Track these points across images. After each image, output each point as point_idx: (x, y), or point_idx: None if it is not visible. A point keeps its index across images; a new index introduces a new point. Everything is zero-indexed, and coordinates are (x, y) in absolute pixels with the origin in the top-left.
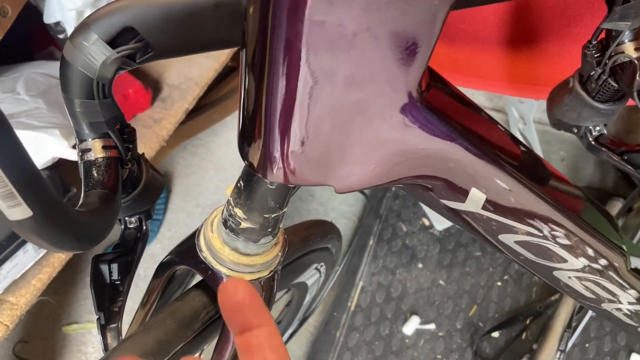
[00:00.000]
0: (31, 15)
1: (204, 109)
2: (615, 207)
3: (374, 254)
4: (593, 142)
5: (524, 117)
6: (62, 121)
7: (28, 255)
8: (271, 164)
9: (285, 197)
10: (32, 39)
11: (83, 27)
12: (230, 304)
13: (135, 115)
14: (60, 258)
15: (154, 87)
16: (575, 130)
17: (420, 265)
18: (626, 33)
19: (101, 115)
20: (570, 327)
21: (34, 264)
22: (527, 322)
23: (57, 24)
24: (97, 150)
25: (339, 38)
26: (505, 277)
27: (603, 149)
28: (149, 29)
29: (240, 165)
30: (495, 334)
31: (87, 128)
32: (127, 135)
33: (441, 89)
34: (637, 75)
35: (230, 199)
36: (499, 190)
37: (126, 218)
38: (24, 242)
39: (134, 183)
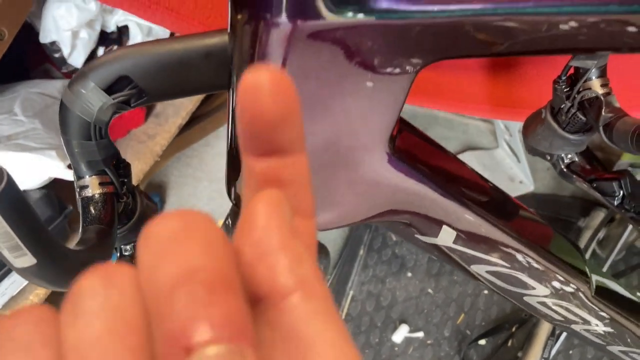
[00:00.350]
0: (27, 33)
1: (197, 120)
2: (598, 217)
3: (364, 263)
4: (564, 169)
5: (510, 129)
6: (58, 142)
7: None
8: None
9: None
10: (28, 56)
11: (81, 76)
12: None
13: (129, 131)
14: None
15: None
16: (548, 158)
17: (409, 274)
18: (593, 70)
19: (98, 155)
20: (554, 335)
21: None
22: (513, 329)
23: (53, 43)
24: (94, 187)
25: (314, 100)
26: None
27: (574, 176)
28: (143, 77)
29: None
30: (482, 342)
31: (84, 166)
32: (123, 170)
33: (410, 131)
34: (603, 110)
35: None
36: (468, 226)
37: (121, 246)
38: None
39: (129, 215)
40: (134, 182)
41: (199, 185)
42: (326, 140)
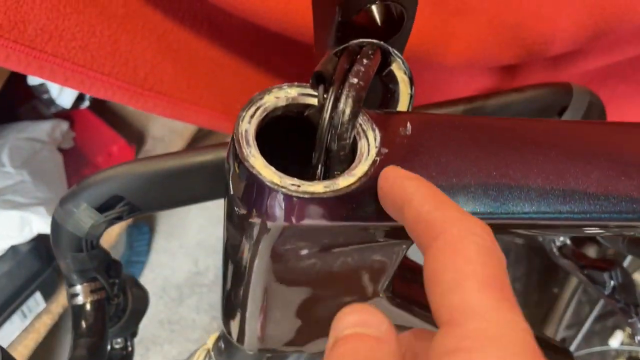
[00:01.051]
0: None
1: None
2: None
3: None
4: (557, 252)
5: None
6: (47, 194)
7: (15, 326)
8: (248, 338)
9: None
10: (16, 94)
11: (73, 195)
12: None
13: None
14: (45, 324)
15: (137, 140)
16: (541, 239)
17: None
18: None
19: (89, 264)
20: None
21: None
22: None
23: (42, 84)
24: (85, 294)
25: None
26: None
27: (566, 259)
28: (136, 195)
29: (221, 202)
30: None
31: (75, 275)
32: (114, 270)
33: (409, 274)
34: None
35: (212, 353)
36: None
37: (112, 339)
38: (10, 315)
39: (119, 314)
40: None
41: (188, 214)
42: (319, 293)
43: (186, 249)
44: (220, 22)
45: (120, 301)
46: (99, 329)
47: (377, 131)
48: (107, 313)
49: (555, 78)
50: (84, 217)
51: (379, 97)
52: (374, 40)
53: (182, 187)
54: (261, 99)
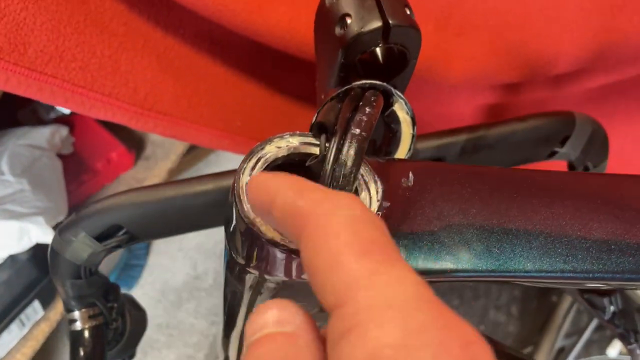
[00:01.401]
0: None
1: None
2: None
3: None
4: None
5: None
6: (46, 204)
7: (13, 334)
8: None
9: None
10: (15, 98)
11: (71, 224)
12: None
13: (118, 176)
14: (44, 332)
15: (137, 145)
16: None
17: None
18: None
19: (87, 290)
20: None
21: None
22: None
23: None
24: (83, 320)
25: None
26: (481, 327)
27: None
28: (135, 225)
29: None
30: None
31: (73, 301)
32: (112, 294)
33: None
34: None
35: None
36: None
37: None
38: (8, 324)
39: (118, 338)
40: None
41: None
42: None
43: (185, 252)
44: (221, 38)
45: (118, 325)
46: (97, 356)
47: (379, 183)
48: (106, 337)
49: (558, 94)
50: (82, 245)
51: (380, 136)
52: (377, 82)
53: (181, 217)
54: (262, 149)
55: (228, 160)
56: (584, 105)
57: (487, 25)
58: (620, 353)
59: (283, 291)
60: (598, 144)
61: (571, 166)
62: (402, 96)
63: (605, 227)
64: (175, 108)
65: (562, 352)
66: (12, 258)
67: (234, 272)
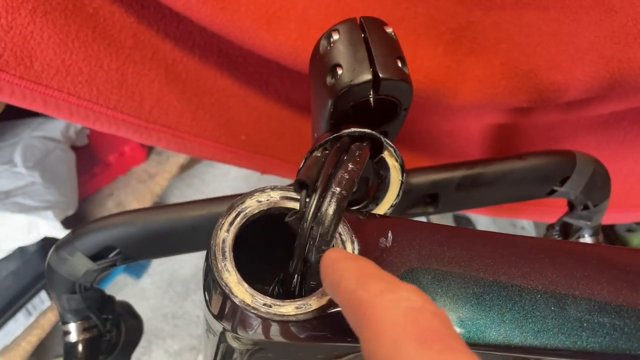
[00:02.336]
0: None
1: None
2: None
3: None
4: None
5: None
6: (57, 197)
7: (18, 323)
8: None
9: None
10: None
11: (67, 243)
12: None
13: (130, 169)
14: (50, 321)
15: None
16: None
17: None
18: (586, 229)
19: (83, 304)
20: None
21: (25, 327)
22: None
23: None
24: (78, 333)
25: None
26: None
27: None
28: (128, 246)
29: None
30: None
31: (69, 313)
32: (108, 307)
33: None
34: None
35: None
36: None
37: None
38: (15, 313)
39: (112, 348)
40: None
41: None
42: None
43: None
44: (230, 52)
45: (113, 336)
46: None
47: (356, 244)
48: (99, 349)
49: (569, 118)
50: (77, 264)
51: (368, 181)
52: (366, 130)
53: (173, 240)
54: (242, 203)
55: None
56: (596, 130)
57: (499, 49)
58: None
59: (257, 352)
60: (599, 184)
61: (570, 204)
62: (391, 144)
63: (581, 306)
64: (180, 121)
65: None
66: (21, 250)
67: (208, 322)
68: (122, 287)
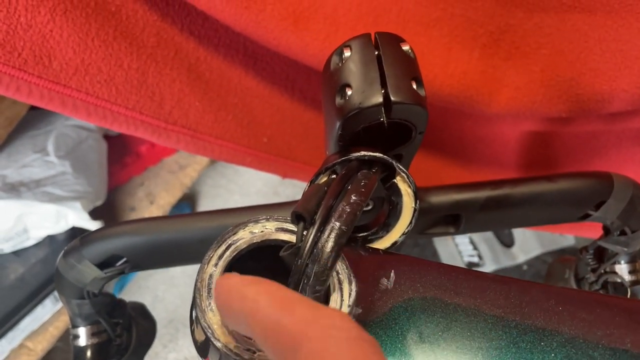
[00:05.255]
0: None
1: None
2: None
3: None
4: None
5: None
6: (86, 188)
7: (46, 309)
8: None
9: None
10: None
11: (75, 250)
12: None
13: (161, 160)
14: None
15: None
16: None
17: None
18: (622, 255)
19: (92, 309)
20: None
21: (53, 313)
22: None
23: None
24: (87, 337)
25: None
26: None
27: None
28: (136, 255)
29: (265, 192)
30: None
31: (79, 317)
32: (118, 311)
33: None
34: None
35: None
36: None
37: None
38: (42, 299)
39: (122, 352)
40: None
41: (230, 199)
42: None
43: None
44: (257, 51)
45: (123, 340)
46: None
47: (353, 284)
48: (108, 353)
49: (612, 129)
50: (85, 271)
51: (382, 204)
52: (377, 155)
53: (182, 251)
54: (234, 234)
55: None
56: (639, 141)
57: (539, 54)
58: None
59: None
60: (639, 209)
61: (606, 229)
62: (404, 170)
63: None
64: (200, 122)
65: None
66: (50, 238)
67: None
68: (151, 273)
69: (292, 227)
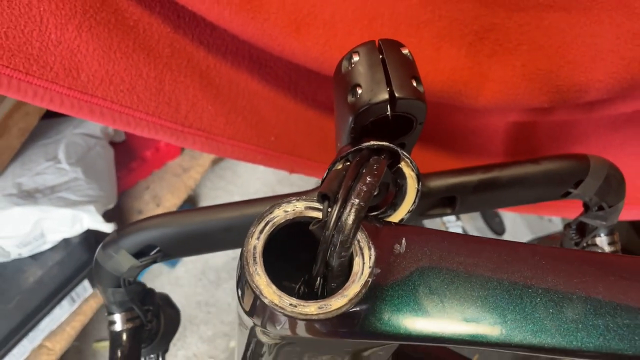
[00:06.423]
0: None
1: None
2: None
3: None
4: None
5: None
6: (98, 192)
7: (64, 309)
8: None
9: None
10: None
11: (113, 242)
12: None
13: (165, 164)
14: (92, 307)
15: None
16: None
17: None
18: (602, 229)
19: (126, 297)
20: None
21: (70, 313)
22: None
23: None
24: (122, 322)
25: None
26: None
27: None
28: (168, 245)
29: (264, 192)
30: None
31: (114, 305)
32: (149, 299)
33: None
34: None
35: None
36: None
37: (147, 356)
38: (60, 300)
39: (153, 337)
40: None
41: (230, 200)
42: None
43: None
44: (260, 57)
45: (153, 326)
46: (133, 356)
47: (372, 250)
48: (141, 337)
49: (591, 117)
50: (122, 261)
51: (388, 186)
52: (384, 144)
53: (209, 240)
54: (271, 213)
55: None
56: (618, 128)
57: (521, 50)
58: None
59: (287, 346)
60: (614, 186)
61: (586, 206)
62: (408, 156)
63: (578, 309)
64: (213, 125)
65: None
66: (65, 241)
67: (241, 318)
68: (157, 274)
69: (319, 205)
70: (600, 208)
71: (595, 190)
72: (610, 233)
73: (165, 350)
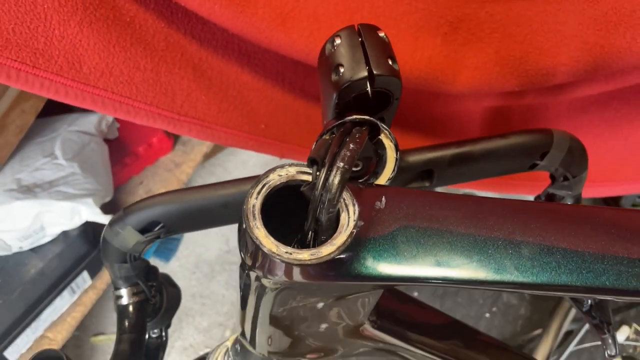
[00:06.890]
0: None
1: None
2: None
3: None
4: None
5: None
6: (95, 186)
7: (64, 300)
8: (258, 344)
9: None
10: None
11: (120, 219)
12: None
13: (158, 159)
14: (91, 298)
15: None
16: None
17: (415, 294)
18: (568, 198)
19: (132, 272)
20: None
21: (70, 304)
22: None
23: None
24: (128, 297)
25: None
26: (494, 309)
27: None
28: (171, 221)
29: None
30: None
31: (121, 280)
32: (152, 275)
33: (392, 297)
34: None
35: (230, 352)
36: None
37: (150, 331)
38: (61, 291)
39: (156, 311)
40: None
41: None
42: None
43: (218, 228)
44: (249, 49)
45: (157, 300)
46: (139, 326)
47: (356, 206)
48: (146, 311)
49: (560, 99)
50: (128, 237)
51: (370, 160)
52: (366, 117)
53: (209, 215)
54: (267, 177)
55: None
56: (587, 110)
57: (492, 38)
58: (627, 339)
59: (285, 290)
60: (577, 157)
61: (552, 177)
62: (387, 128)
63: (533, 250)
64: (207, 113)
65: (570, 335)
66: (64, 234)
67: (244, 269)
68: None
69: (309, 170)
70: (566, 178)
71: (559, 162)
72: (577, 201)
73: (168, 325)
